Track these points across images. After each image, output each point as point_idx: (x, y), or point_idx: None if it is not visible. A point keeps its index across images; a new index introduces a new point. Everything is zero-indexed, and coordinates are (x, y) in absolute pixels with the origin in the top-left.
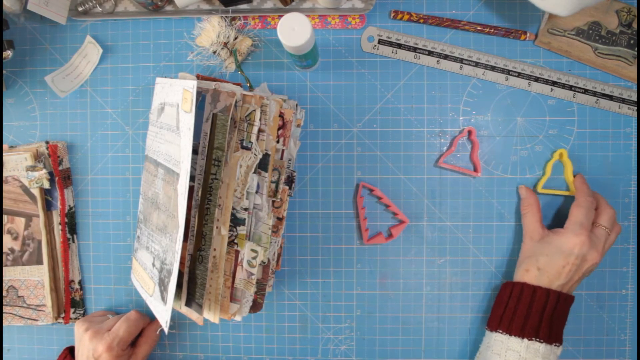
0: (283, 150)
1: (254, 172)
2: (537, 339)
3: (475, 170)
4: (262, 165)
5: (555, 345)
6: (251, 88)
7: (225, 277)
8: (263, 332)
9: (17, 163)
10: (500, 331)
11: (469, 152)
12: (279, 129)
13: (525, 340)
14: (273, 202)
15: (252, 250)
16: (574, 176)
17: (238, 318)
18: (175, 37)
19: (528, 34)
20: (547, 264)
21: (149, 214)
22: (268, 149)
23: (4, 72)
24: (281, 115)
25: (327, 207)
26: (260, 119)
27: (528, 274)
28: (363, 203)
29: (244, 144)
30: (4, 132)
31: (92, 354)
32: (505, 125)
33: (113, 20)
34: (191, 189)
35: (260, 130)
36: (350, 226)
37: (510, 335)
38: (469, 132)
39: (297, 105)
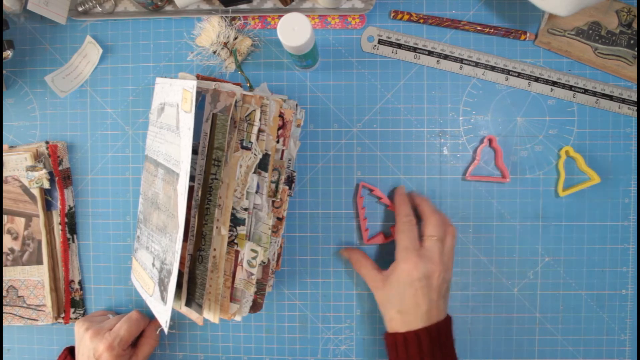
0: (283, 150)
1: (254, 172)
2: None
3: (504, 176)
4: (262, 165)
5: None
6: (251, 88)
7: (225, 277)
8: (263, 332)
9: (17, 163)
10: None
11: (469, 153)
12: (279, 129)
13: None
14: (273, 202)
15: (252, 250)
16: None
17: (238, 318)
18: (175, 37)
19: (528, 34)
20: (401, 302)
21: (148, 214)
22: (268, 149)
23: (4, 72)
24: (281, 115)
25: (327, 207)
26: (260, 119)
27: (393, 322)
28: (363, 203)
29: (244, 144)
30: (4, 132)
31: (92, 354)
32: (505, 125)
33: (113, 20)
34: (191, 189)
35: (260, 130)
36: (350, 226)
37: None
38: (490, 140)
39: (297, 105)
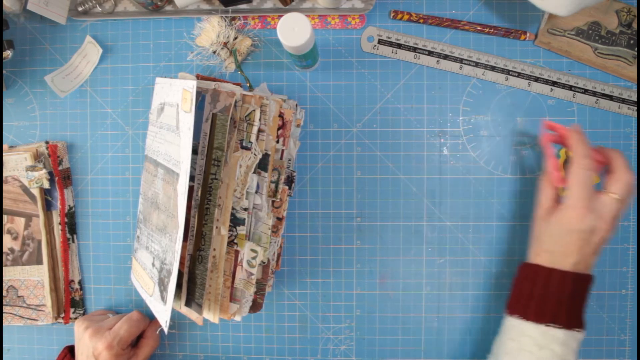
0: (283, 150)
1: (254, 172)
2: (555, 325)
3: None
4: (262, 165)
5: (576, 331)
6: (251, 88)
7: (225, 277)
8: (263, 332)
9: (17, 163)
10: (516, 316)
11: (469, 153)
12: (278, 129)
13: (542, 325)
14: (273, 202)
15: (252, 250)
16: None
17: (238, 318)
18: (175, 37)
19: (528, 34)
20: (554, 244)
21: (148, 214)
22: (268, 149)
23: (4, 72)
24: (281, 115)
25: (327, 207)
26: (260, 119)
27: (540, 256)
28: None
29: (244, 144)
30: (4, 132)
31: (92, 352)
32: (505, 125)
33: (113, 20)
34: (191, 189)
35: (260, 130)
36: (350, 226)
37: (526, 320)
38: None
39: (296, 105)
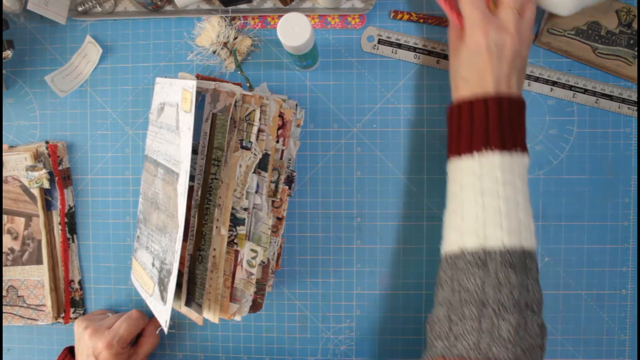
0: (283, 150)
1: (254, 172)
2: (488, 148)
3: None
4: (262, 165)
5: (516, 152)
6: (251, 88)
7: (225, 277)
8: (263, 332)
9: (17, 163)
10: (452, 157)
11: None
12: (278, 129)
13: (476, 154)
14: (273, 202)
15: (252, 250)
16: None
17: (238, 318)
18: (175, 37)
19: None
20: (468, 72)
21: (148, 213)
22: (268, 149)
23: (4, 72)
24: (281, 115)
25: (327, 207)
26: (260, 119)
27: (459, 90)
28: None
29: (244, 144)
30: (4, 132)
31: (91, 352)
32: None
33: (113, 20)
34: (191, 189)
35: (260, 130)
36: (350, 226)
37: (461, 155)
38: None
39: (296, 105)
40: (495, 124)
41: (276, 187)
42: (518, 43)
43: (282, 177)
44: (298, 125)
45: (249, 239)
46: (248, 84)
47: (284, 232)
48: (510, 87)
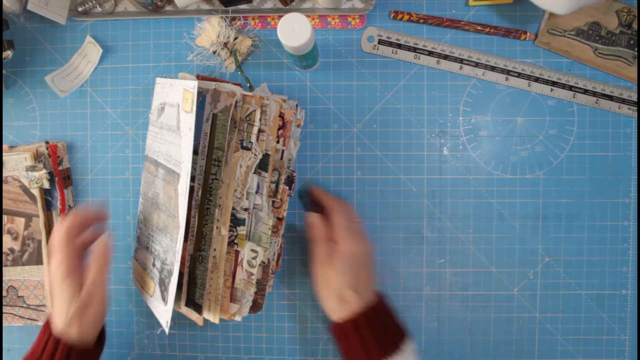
0: (283, 151)
1: (254, 173)
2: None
3: None
4: (262, 165)
5: (402, 345)
6: (251, 88)
7: (225, 277)
8: (263, 332)
9: (17, 163)
10: None
11: (469, 153)
12: (279, 129)
13: None
14: (273, 202)
15: (252, 250)
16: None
17: (238, 318)
18: (175, 37)
19: (528, 34)
20: (355, 281)
21: (149, 214)
22: (268, 149)
23: (4, 72)
24: (281, 116)
25: None
26: (260, 119)
27: (343, 306)
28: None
29: (244, 144)
30: (4, 132)
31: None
32: (505, 126)
33: (113, 21)
34: (191, 189)
35: (260, 131)
36: None
37: None
38: None
39: (297, 105)
40: (372, 339)
41: (276, 187)
42: (346, 273)
43: (283, 178)
44: (298, 126)
45: (249, 239)
46: (248, 84)
47: (284, 232)
48: (366, 292)
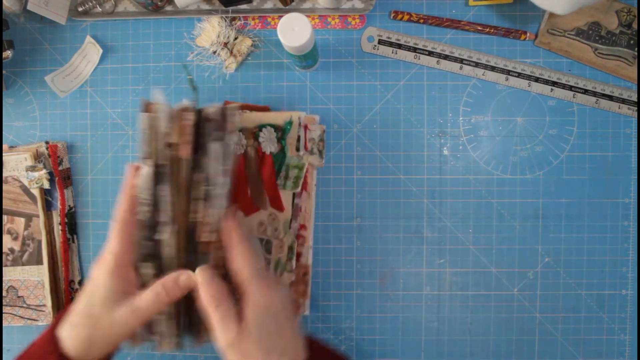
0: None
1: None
2: None
3: None
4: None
5: None
6: (195, 89)
7: None
8: None
9: (17, 163)
10: None
11: (469, 153)
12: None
13: None
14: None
15: None
16: None
17: None
18: (175, 37)
19: (528, 34)
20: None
21: None
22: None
23: (4, 72)
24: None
25: (327, 207)
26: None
27: None
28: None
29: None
30: (4, 132)
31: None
32: (505, 126)
33: (113, 21)
34: None
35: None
36: (350, 226)
37: None
38: None
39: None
40: None
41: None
42: (255, 338)
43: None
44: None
45: None
46: (192, 87)
47: None
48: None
